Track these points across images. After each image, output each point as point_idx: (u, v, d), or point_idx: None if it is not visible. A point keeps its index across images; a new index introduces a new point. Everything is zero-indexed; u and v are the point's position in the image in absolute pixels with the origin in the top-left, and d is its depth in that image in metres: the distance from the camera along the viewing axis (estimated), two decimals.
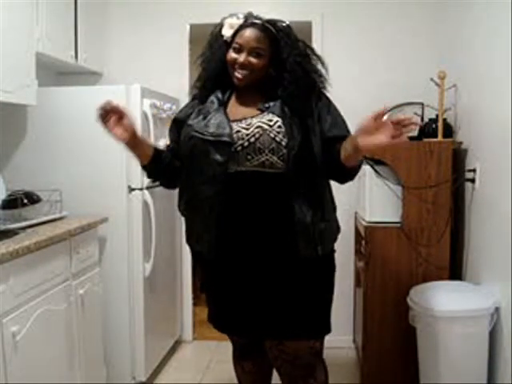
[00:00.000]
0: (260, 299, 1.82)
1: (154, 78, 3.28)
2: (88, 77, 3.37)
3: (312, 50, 1.90)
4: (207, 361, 3.25)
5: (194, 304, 3.71)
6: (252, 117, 1.82)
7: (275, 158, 1.76)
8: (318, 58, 1.88)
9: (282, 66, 1.81)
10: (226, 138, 1.76)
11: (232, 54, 1.82)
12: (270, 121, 1.79)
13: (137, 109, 2.72)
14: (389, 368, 2.71)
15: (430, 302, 2.30)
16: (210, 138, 1.78)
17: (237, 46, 1.81)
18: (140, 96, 2.73)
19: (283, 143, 1.76)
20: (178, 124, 1.93)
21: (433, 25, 3.27)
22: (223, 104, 1.87)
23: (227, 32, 1.84)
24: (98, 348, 2.62)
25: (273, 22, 1.84)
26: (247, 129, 1.79)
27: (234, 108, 1.88)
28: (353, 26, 3.36)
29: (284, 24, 1.86)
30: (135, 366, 2.82)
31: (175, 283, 3.45)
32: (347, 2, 3.35)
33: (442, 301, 2.30)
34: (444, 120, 2.82)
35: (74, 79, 3.29)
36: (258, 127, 1.78)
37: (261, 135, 1.77)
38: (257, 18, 1.86)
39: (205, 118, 1.84)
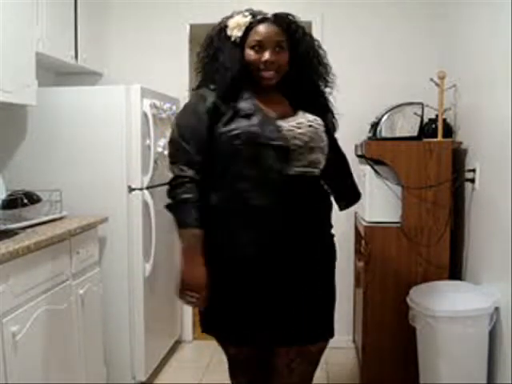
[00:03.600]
0: (293, 305, 1.73)
1: (154, 78, 3.28)
2: (88, 77, 3.37)
3: (319, 44, 1.86)
4: (207, 361, 3.25)
5: None
6: (292, 116, 1.78)
7: (322, 157, 1.79)
8: (324, 52, 1.85)
9: (299, 60, 1.78)
10: (281, 142, 1.66)
11: (254, 55, 1.72)
12: (316, 119, 1.79)
13: (137, 109, 2.72)
14: (389, 368, 2.71)
15: (429, 302, 2.29)
16: (263, 141, 1.65)
17: (256, 44, 1.72)
18: (140, 96, 2.73)
19: (326, 141, 1.81)
20: (205, 122, 1.70)
21: (433, 25, 3.27)
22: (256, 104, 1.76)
23: (236, 32, 1.73)
24: (98, 348, 2.62)
25: (283, 15, 1.77)
26: (299, 127, 1.73)
27: (268, 107, 1.76)
28: (353, 26, 3.36)
29: (294, 17, 1.80)
30: (135, 366, 2.82)
31: (175, 283, 3.44)
32: (347, 2, 3.35)
33: (442, 301, 2.30)
34: (444, 120, 2.82)
35: (74, 79, 3.28)
36: (309, 126, 1.76)
37: (313, 134, 1.76)
38: (261, 13, 1.78)
39: (246, 117, 1.69)
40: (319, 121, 1.80)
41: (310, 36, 1.84)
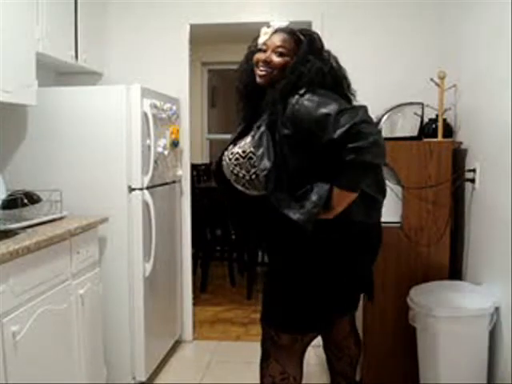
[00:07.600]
0: None
1: (154, 78, 3.28)
2: (88, 77, 3.37)
3: (337, 62, 1.92)
4: (207, 361, 3.25)
5: (194, 304, 3.71)
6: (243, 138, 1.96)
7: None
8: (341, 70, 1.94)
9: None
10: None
11: (257, 55, 1.88)
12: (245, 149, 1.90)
13: (137, 109, 2.72)
14: (389, 368, 2.71)
15: (430, 301, 2.30)
16: None
17: (264, 47, 1.87)
18: (140, 96, 2.73)
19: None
20: None
21: (433, 25, 3.27)
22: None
23: (261, 39, 1.91)
24: (98, 348, 2.62)
25: (303, 30, 1.91)
26: (229, 158, 1.95)
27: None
28: (353, 26, 3.36)
29: (312, 32, 1.93)
30: (135, 366, 2.82)
31: (175, 283, 3.45)
32: (347, 2, 3.35)
33: (442, 301, 2.30)
34: (444, 120, 2.82)
35: (74, 79, 3.28)
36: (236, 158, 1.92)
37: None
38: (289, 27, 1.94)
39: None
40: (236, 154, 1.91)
41: (328, 53, 1.91)
